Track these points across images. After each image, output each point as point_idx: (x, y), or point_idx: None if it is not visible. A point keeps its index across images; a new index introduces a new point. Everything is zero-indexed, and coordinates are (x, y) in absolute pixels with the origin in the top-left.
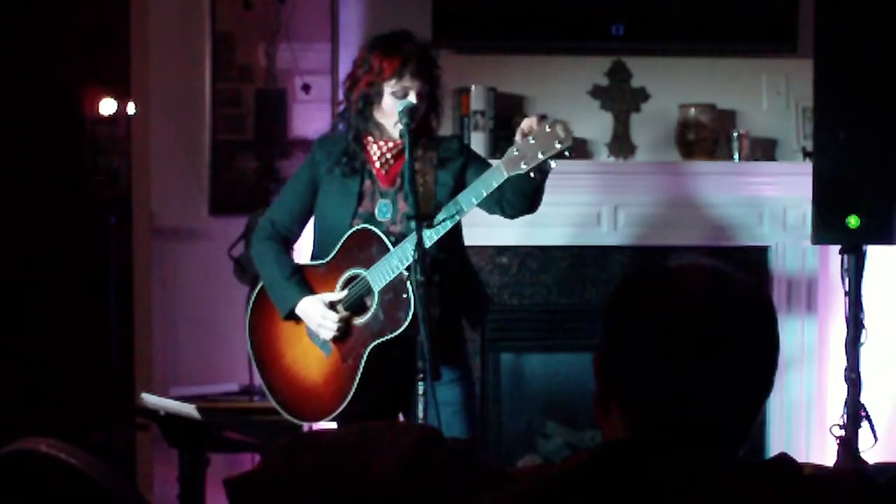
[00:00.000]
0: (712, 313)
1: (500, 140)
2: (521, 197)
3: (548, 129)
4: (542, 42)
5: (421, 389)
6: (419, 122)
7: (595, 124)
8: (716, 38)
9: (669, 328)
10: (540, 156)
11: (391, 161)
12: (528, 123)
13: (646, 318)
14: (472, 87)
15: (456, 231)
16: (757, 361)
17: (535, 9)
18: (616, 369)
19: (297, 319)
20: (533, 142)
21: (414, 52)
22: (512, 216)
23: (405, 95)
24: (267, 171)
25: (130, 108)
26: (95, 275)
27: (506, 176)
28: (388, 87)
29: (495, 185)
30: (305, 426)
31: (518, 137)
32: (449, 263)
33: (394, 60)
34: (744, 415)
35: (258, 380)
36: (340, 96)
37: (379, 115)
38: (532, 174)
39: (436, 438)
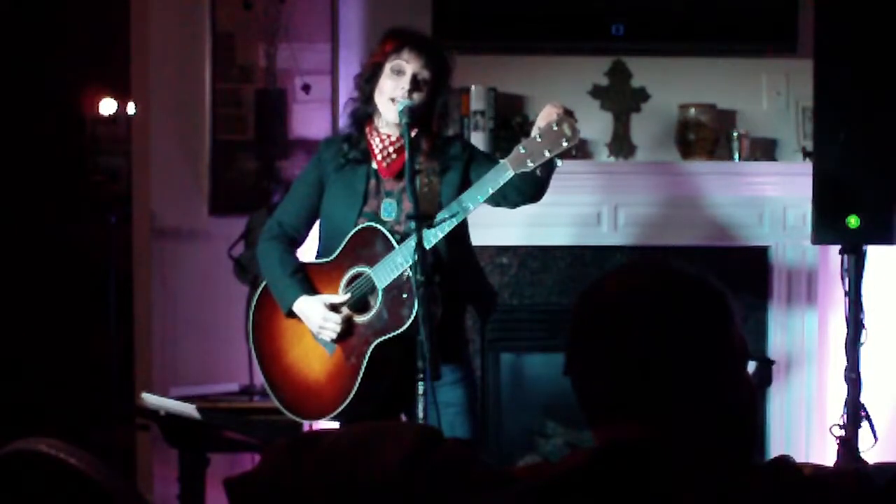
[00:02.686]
0: (650, 312)
1: (501, 140)
2: (520, 194)
3: (555, 128)
4: (541, 42)
5: (422, 389)
6: (421, 117)
7: (595, 124)
8: (716, 38)
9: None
10: (546, 154)
11: (393, 155)
12: (552, 112)
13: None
14: (472, 87)
15: (462, 228)
16: (704, 355)
17: (535, 9)
18: (574, 374)
19: (300, 318)
20: (539, 140)
21: (421, 37)
22: (514, 206)
23: (402, 72)
24: (267, 171)
25: (130, 108)
26: (95, 275)
27: (512, 174)
28: (388, 64)
29: (501, 182)
30: (306, 424)
31: (541, 124)
32: (455, 260)
33: (397, 39)
34: (706, 410)
35: (258, 379)
36: (341, 96)
37: (377, 95)
38: (538, 171)
39: (435, 438)
